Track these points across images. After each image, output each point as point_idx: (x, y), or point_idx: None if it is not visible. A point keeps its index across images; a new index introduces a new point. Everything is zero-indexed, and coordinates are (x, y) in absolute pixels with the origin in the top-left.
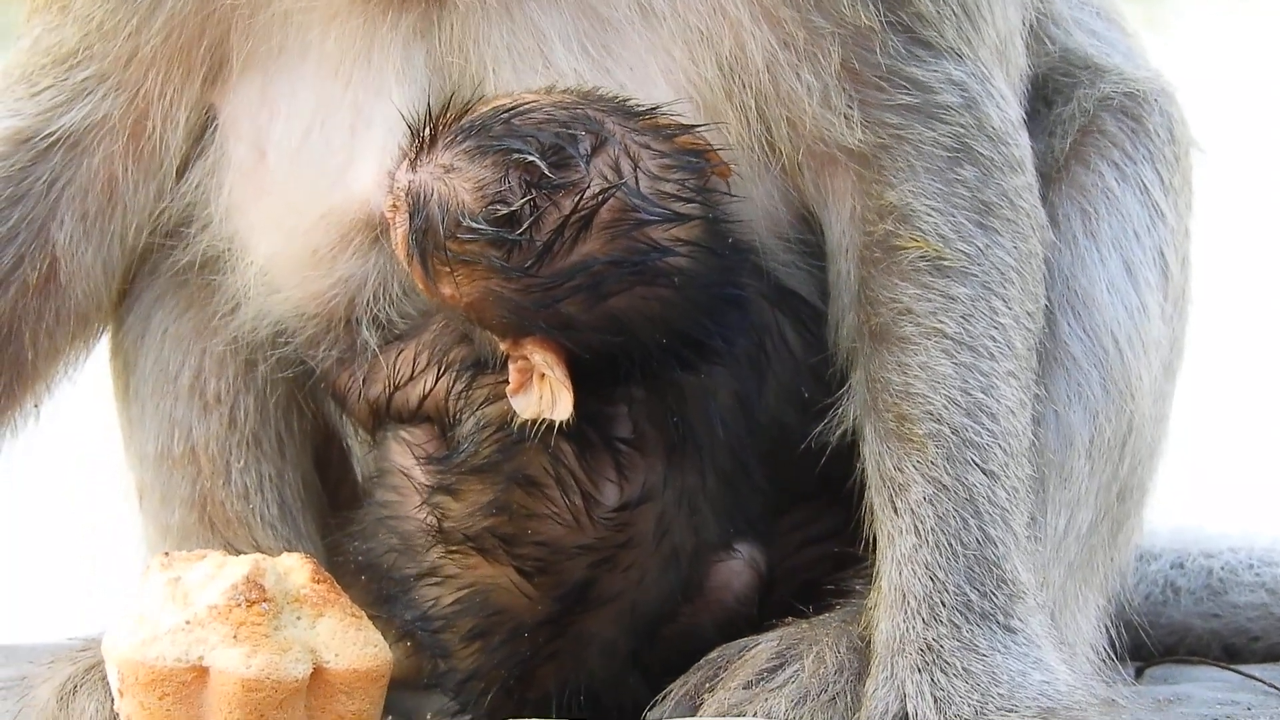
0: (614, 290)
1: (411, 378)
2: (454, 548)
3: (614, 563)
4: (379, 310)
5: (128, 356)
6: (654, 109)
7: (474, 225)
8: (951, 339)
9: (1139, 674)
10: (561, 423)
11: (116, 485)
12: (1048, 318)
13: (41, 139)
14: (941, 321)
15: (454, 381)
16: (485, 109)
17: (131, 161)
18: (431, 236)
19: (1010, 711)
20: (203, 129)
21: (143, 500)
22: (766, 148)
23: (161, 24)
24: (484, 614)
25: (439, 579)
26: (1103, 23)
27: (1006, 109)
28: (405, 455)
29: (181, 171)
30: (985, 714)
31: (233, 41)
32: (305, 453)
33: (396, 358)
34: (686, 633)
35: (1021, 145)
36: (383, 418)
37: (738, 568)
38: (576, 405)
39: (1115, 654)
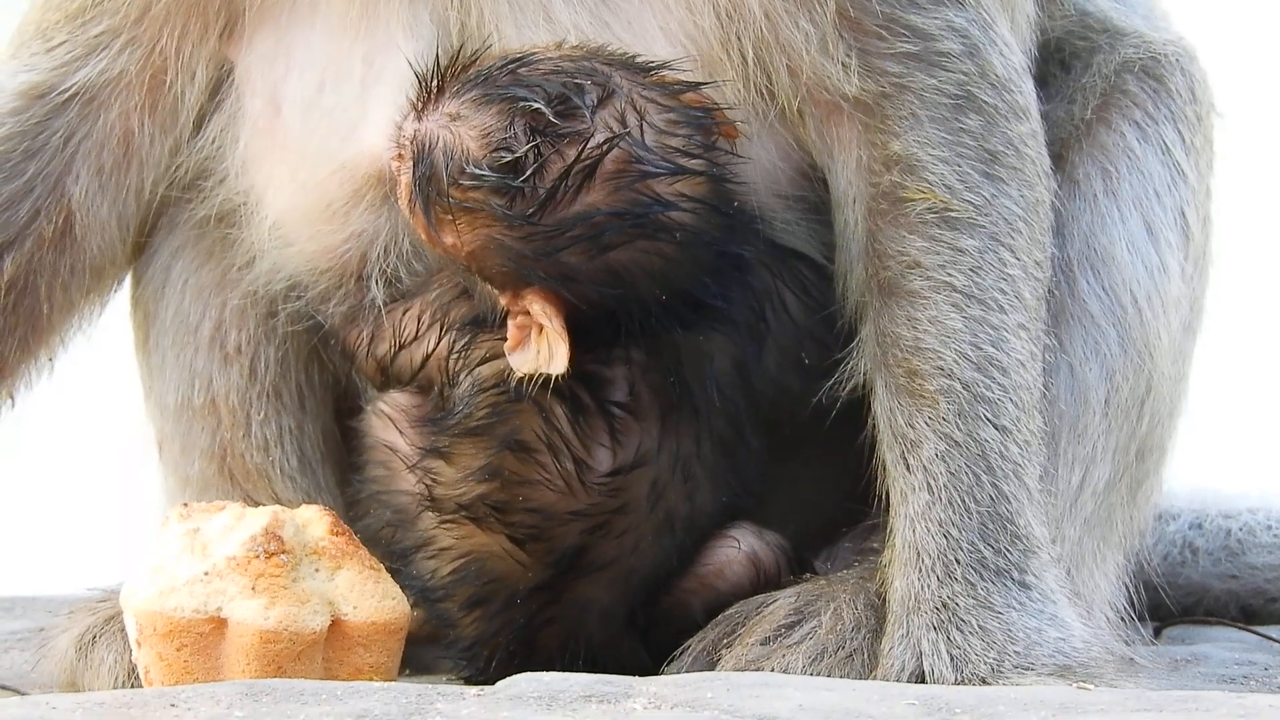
0: (615, 242)
1: (416, 337)
2: (447, 518)
3: (607, 529)
4: (389, 266)
5: (148, 308)
6: (662, 65)
7: (477, 171)
8: (961, 292)
9: (1157, 633)
10: (556, 380)
11: (137, 437)
12: (1067, 275)
13: (57, 94)
14: (951, 275)
15: (455, 340)
16: (492, 60)
17: (148, 116)
18: (435, 184)
19: (1027, 669)
20: (219, 83)
21: (162, 451)
22: (767, 97)
23: None
24: (480, 582)
25: (435, 550)
26: None
27: (1010, 56)
28: (388, 430)
29: (199, 126)
30: (1001, 672)
31: (248, 10)
32: (326, 405)
33: (402, 316)
34: (676, 607)
35: (1025, 92)
36: (390, 376)
37: (736, 557)
38: (572, 362)
39: (1134, 613)
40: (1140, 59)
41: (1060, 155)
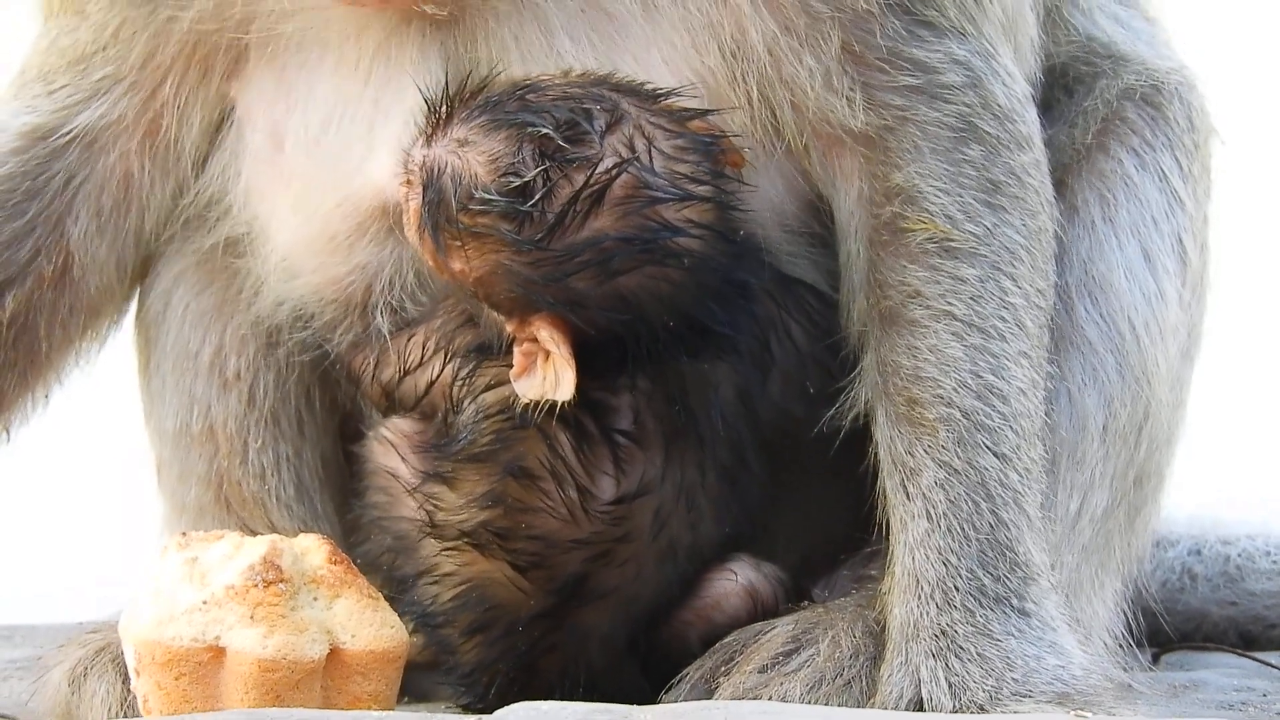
0: (624, 268)
1: (421, 363)
2: (449, 544)
3: (610, 557)
4: (393, 298)
5: (150, 332)
6: (669, 92)
7: (486, 196)
8: (961, 321)
9: (1155, 659)
10: (561, 408)
11: (137, 463)
12: (1065, 302)
13: (59, 136)
14: (950, 304)
15: (459, 367)
16: (501, 86)
17: (148, 159)
18: (444, 209)
19: (1025, 697)
20: (221, 120)
21: (160, 475)
22: (772, 132)
23: (180, 36)
24: (481, 609)
25: (436, 576)
26: (1125, 9)
27: (1012, 85)
28: (389, 455)
29: (201, 164)
30: (999, 699)
31: (252, 45)
32: (326, 431)
33: (407, 343)
34: (673, 639)
35: (1029, 121)
36: (394, 401)
37: (733, 589)
38: (578, 389)
39: (1132, 639)
40: (1141, 86)
41: (1061, 181)
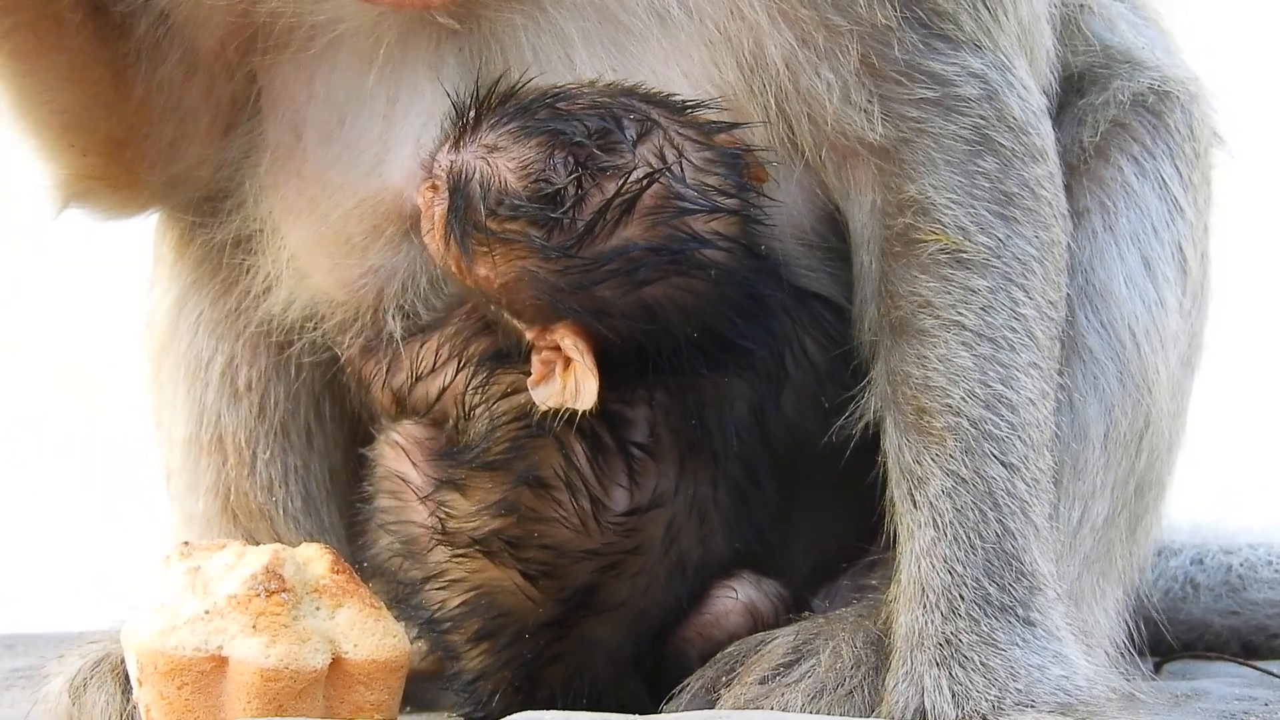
0: (650, 278)
1: (433, 369)
2: (460, 551)
3: (620, 569)
4: (406, 302)
5: (162, 339)
6: (697, 105)
7: (516, 203)
8: (971, 331)
9: (1158, 669)
10: (579, 417)
11: (139, 469)
12: (1066, 310)
13: None
14: (961, 314)
15: (473, 375)
16: (530, 93)
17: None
18: (471, 215)
19: (1028, 707)
20: (245, 98)
21: (169, 484)
22: (789, 145)
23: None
24: (489, 616)
25: (445, 582)
26: (1141, 19)
27: (1028, 98)
28: (400, 460)
29: (226, 132)
30: (1003, 709)
31: (262, 27)
32: (336, 443)
33: (419, 349)
34: (673, 654)
35: (1044, 134)
36: (405, 407)
37: (733, 606)
38: (598, 398)
39: (1134, 648)
40: (1153, 92)
41: (1066, 186)
